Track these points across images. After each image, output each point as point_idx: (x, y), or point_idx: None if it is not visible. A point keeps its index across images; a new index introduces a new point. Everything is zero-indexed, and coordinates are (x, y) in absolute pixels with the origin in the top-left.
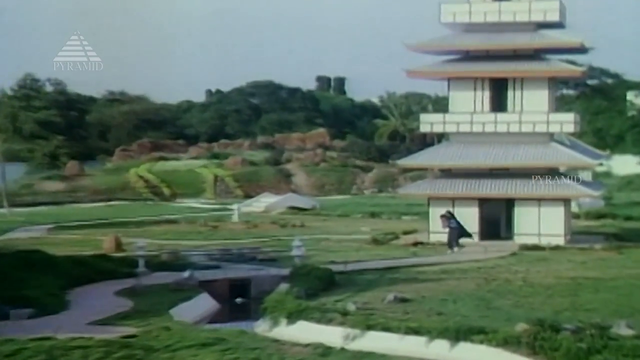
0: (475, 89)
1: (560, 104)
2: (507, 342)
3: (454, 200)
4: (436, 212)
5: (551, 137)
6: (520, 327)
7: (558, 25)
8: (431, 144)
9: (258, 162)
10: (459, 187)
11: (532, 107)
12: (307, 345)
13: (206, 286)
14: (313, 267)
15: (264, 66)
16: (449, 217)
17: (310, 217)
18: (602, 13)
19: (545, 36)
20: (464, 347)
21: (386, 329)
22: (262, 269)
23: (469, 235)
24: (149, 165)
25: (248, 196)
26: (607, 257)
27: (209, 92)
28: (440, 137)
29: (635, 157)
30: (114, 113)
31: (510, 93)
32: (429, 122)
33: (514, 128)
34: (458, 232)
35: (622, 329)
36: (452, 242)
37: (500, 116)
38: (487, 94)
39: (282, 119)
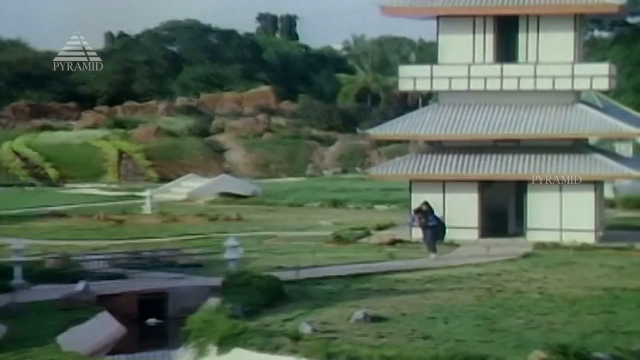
0: (474, 32)
1: (590, 51)
2: None
3: (444, 184)
4: (420, 200)
5: (577, 96)
6: (536, 355)
7: None
8: (414, 107)
9: (178, 133)
10: (452, 166)
11: (551, 55)
12: None
13: (107, 303)
14: (253, 275)
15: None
16: (426, 212)
17: (250, 207)
18: None
19: None
20: None
21: (353, 358)
22: (183, 278)
23: (443, 235)
24: (28, 137)
25: (165, 179)
26: None
27: (109, 36)
28: (427, 98)
29: None
30: None
31: (522, 36)
32: (410, 77)
33: (527, 84)
34: (439, 230)
35: None
36: (433, 244)
37: (509, 68)
38: (490, 37)
39: (210, 72)
